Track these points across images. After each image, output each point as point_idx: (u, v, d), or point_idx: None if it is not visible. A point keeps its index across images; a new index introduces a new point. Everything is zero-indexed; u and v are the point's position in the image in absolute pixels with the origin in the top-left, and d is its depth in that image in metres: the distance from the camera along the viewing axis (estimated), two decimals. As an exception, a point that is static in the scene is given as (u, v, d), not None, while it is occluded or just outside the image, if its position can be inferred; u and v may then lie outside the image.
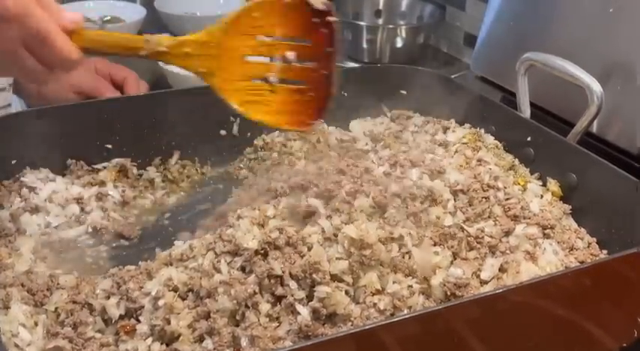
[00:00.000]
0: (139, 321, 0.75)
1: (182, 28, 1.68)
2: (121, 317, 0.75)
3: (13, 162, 0.96)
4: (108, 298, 0.77)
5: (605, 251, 0.87)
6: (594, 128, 1.07)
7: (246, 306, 0.73)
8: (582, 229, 0.91)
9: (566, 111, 1.13)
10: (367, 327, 0.65)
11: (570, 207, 0.93)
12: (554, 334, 0.73)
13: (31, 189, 0.93)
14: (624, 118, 1.07)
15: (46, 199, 0.91)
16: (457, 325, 0.67)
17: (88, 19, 1.62)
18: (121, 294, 0.77)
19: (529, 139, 1.00)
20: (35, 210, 0.89)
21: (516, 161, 1.02)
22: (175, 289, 0.76)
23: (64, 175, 0.98)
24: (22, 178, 0.94)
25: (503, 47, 1.32)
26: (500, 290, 0.71)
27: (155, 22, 1.71)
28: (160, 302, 0.74)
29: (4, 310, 0.75)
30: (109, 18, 1.62)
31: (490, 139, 1.06)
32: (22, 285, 0.78)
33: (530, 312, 0.71)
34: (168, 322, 0.72)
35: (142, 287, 0.77)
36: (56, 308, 0.77)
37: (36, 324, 0.75)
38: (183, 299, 0.75)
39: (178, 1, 1.76)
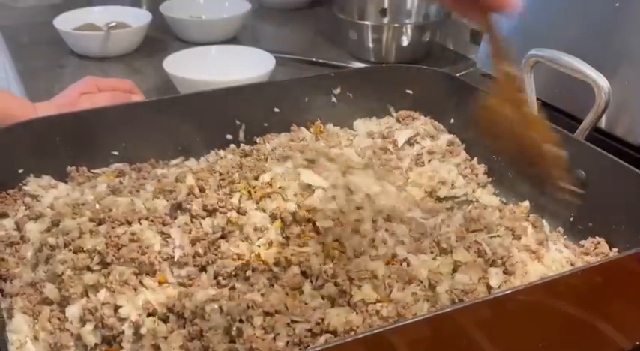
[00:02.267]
0: (121, 346, 0.72)
1: (188, 32, 1.69)
2: (96, 345, 0.73)
3: (20, 171, 0.96)
4: (84, 324, 0.74)
5: (615, 249, 0.86)
6: (602, 124, 1.06)
7: (240, 320, 0.71)
8: (589, 224, 0.90)
9: (573, 107, 1.12)
10: (375, 331, 0.64)
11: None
12: (565, 334, 0.72)
13: (34, 197, 0.93)
14: (632, 114, 1.05)
15: (49, 206, 0.91)
16: (467, 327, 0.66)
17: (94, 26, 1.63)
18: (96, 320, 0.74)
19: (536, 136, 0.99)
20: (39, 217, 0.89)
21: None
22: (154, 313, 0.74)
23: (67, 182, 0.98)
24: (24, 187, 0.94)
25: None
26: (510, 291, 0.69)
27: (161, 26, 1.71)
28: (142, 330, 0.72)
29: (10, 320, 0.75)
30: (114, 24, 1.62)
31: None
32: (24, 294, 0.78)
33: (540, 312, 0.70)
34: (156, 349, 0.71)
35: (116, 311, 0.74)
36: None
37: (36, 337, 0.74)
38: (165, 321, 0.74)
39: (184, 5, 1.77)
